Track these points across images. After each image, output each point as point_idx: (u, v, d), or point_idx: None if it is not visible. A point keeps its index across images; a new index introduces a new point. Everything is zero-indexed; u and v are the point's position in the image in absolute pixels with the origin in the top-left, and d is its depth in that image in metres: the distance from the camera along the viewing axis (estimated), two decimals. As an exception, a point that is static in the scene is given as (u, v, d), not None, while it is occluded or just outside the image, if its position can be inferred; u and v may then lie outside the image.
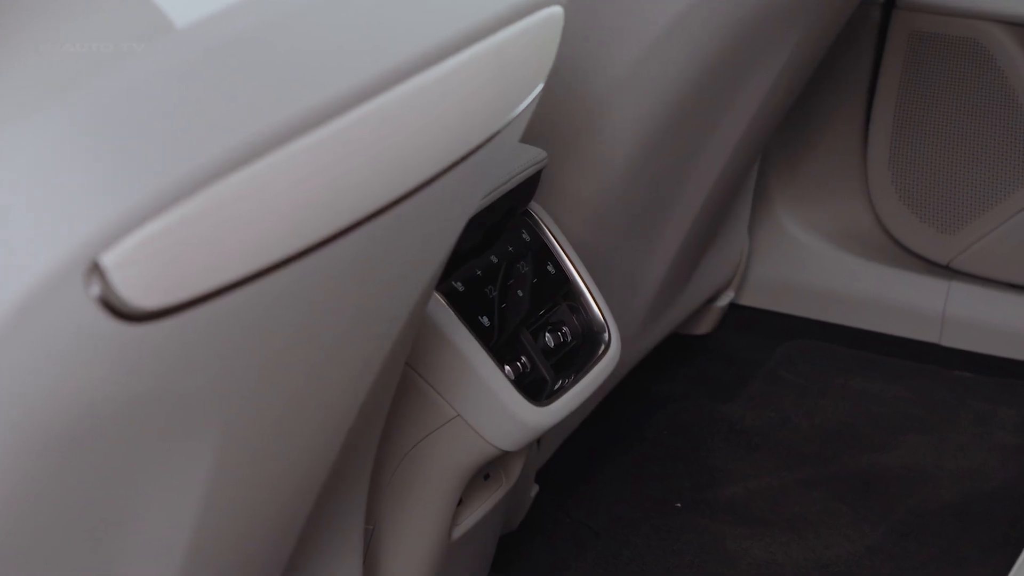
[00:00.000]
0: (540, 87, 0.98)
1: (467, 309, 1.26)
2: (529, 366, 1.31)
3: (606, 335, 1.38)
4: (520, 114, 0.97)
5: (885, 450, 1.78)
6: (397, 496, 1.29)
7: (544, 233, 1.39)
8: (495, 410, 1.25)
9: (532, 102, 0.99)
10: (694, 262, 1.77)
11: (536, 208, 1.39)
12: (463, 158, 0.91)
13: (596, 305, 1.39)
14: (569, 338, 1.36)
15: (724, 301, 2.00)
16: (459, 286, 1.27)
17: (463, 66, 0.87)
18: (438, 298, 1.25)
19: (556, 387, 1.32)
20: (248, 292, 0.78)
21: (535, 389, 1.30)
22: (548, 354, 1.34)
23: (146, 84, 0.71)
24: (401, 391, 1.26)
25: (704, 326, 2.00)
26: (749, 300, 2.06)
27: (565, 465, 1.69)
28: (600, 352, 1.37)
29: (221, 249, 0.75)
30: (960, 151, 1.94)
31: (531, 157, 1.35)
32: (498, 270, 1.31)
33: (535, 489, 1.58)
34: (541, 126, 1.44)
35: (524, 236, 1.37)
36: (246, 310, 0.79)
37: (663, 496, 1.69)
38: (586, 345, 1.38)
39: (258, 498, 0.93)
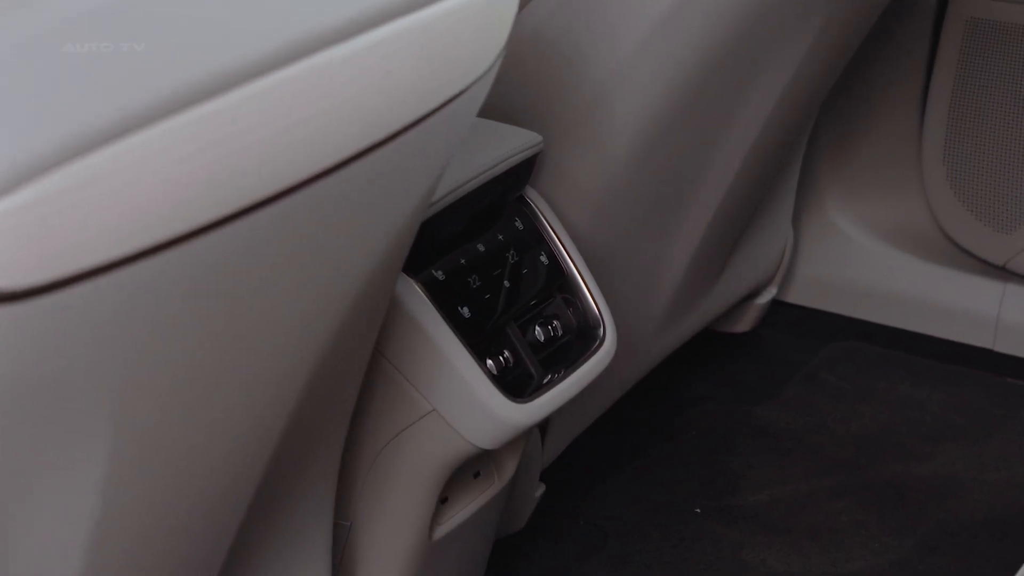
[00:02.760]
0: (489, 66, 0.92)
1: (446, 299, 1.20)
2: (513, 360, 1.25)
3: (601, 330, 1.31)
4: (463, 93, 0.91)
5: (922, 459, 1.69)
6: (373, 492, 1.24)
7: (540, 222, 1.32)
8: (471, 405, 1.20)
9: (480, 81, 0.92)
10: (724, 256, 1.70)
11: (533, 195, 1.33)
12: (389, 138, 0.85)
13: (592, 299, 1.32)
14: (560, 332, 1.30)
15: (766, 298, 1.91)
16: (439, 275, 1.21)
17: (382, 41, 0.81)
18: (415, 287, 1.19)
19: (544, 382, 1.26)
20: (133, 272, 0.73)
21: (519, 385, 1.24)
22: (537, 349, 1.28)
23: (6, 48, 0.66)
24: (375, 383, 1.20)
25: (743, 324, 1.92)
26: (794, 297, 1.98)
27: (579, 464, 1.63)
28: (593, 348, 1.30)
29: (96, 226, 0.70)
30: (1018, 146, 1.84)
31: (524, 141, 1.29)
32: (485, 259, 1.26)
33: (541, 489, 1.52)
34: (542, 111, 1.37)
35: (517, 224, 1.31)
36: (131, 292, 0.74)
37: (681, 500, 1.62)
38: (580, 340, 1.31)
39: (170, 495, 0.88)
